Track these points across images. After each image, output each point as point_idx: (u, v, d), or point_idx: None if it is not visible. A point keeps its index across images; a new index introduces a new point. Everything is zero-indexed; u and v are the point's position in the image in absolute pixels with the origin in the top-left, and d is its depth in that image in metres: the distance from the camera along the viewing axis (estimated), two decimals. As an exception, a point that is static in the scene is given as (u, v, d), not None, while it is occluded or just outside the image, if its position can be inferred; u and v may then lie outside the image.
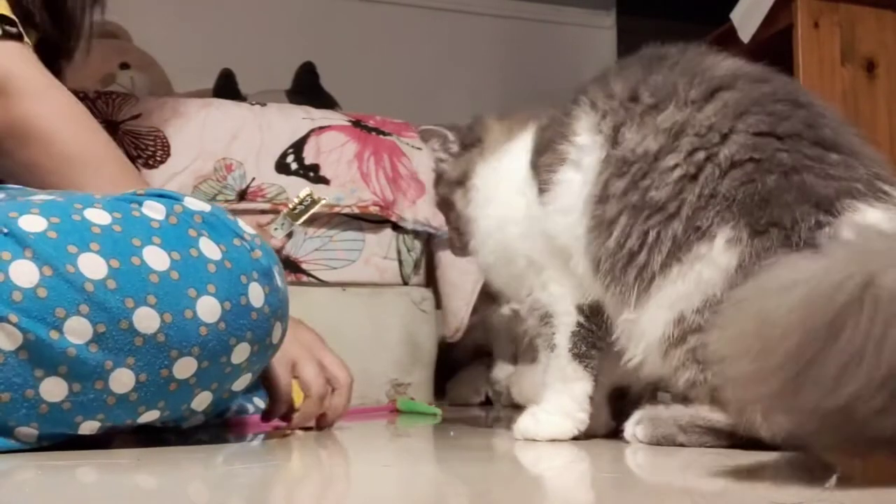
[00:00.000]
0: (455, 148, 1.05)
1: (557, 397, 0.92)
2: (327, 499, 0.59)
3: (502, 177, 0.99)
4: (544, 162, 0.92)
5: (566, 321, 0.92)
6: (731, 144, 0.80)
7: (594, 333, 0.91)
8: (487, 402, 1.86)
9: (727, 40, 1.88)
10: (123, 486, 0.64)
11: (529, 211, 0.94)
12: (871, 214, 0.76)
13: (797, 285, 0.57)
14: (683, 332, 0.81)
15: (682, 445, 0.82)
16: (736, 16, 1.86)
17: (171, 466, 0.75)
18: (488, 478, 0.72)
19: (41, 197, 0.83)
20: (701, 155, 0.81)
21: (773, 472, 0.65)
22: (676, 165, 0.81)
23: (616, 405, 0.98)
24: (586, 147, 0.88)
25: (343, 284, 1.54)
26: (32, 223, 0.76)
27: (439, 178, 1.07)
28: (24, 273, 0.74)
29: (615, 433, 0.93)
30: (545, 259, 0.93)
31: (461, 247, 1.06)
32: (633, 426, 0.86)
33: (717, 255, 0.78)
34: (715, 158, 0.80)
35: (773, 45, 1.78)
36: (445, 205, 1.07)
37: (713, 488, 0.63)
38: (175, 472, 0.71)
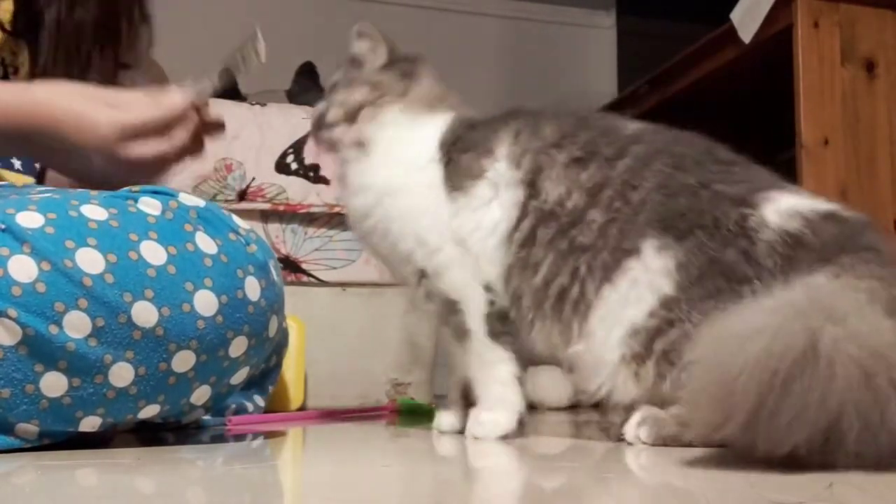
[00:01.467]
0: (380, 61, 1.02)
1: (488, 389, 0.92)
2: (327, 499, 0.59)
3: (411, 144, 0.96)
4: (465, 162, 0.92)
5: (476, 303, 0.91)
6: (641, 190, 0.86)
7: (505, 308, 0.91)
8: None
9: (727, 40, 1.88)
10: (124, 487, 0.64)
11: (430, 192, 0.93)
12: (785, 200, 0.83)
13: (752, 340, 0.64)
14: (645, 340, 0.82)
15: (689, 445, 0.81)
16: (736, 16, 1.86)
17: (172, 466, 0.75)
18: (488, 478, 0.72)
19: (38, 194, 0.84)
20: (618, 203, 0.86)
21: (773, 471, 0.65)
22: (598, 217, 0.86)
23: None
24: (503, 176, 0.90)
25: (343, 284, 1.54)
26: (30, 219, 0.77)
27: (353, 81, 1.02)
28: (23, 268, 0.74)
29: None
30: (443, 242, 0.92)
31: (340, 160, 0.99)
32: (636, 427, 0.85)
33: (650, 260, 0.83)
34: (629, 204, 0.86)
35: (773, 45, 1.78)
36: (347, 109, 0.99)
37: (713, 487, 0.63)
38: (175, 473, 0.71)
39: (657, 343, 0.82)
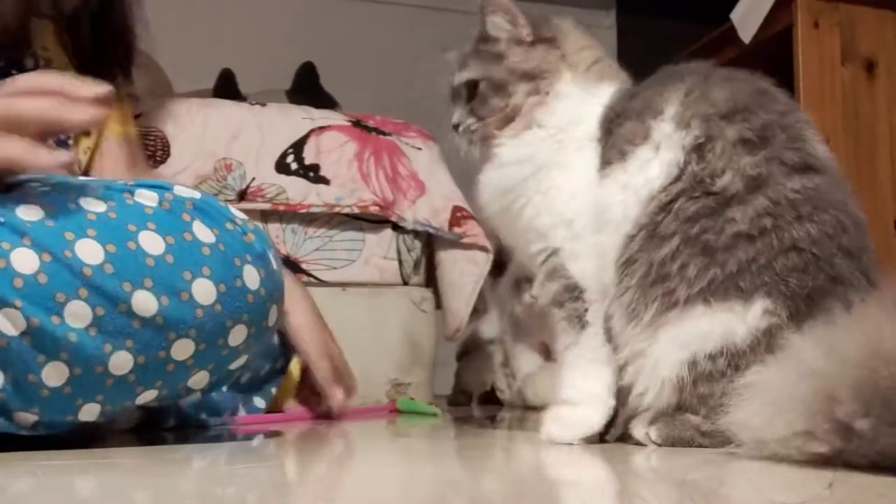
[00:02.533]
0: (526, 34, 0.95)
1: (586, 382, 0.87)
2: (328, 499, 0.59)
3: (579, 122, 0.91)
4: (626, 130, 0.87)
5: (601, 296, 0.87)
6: (800, 229, 0.80)
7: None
8: (486, 398, 1.85)
9: (727, 40, 1.88)
10: (124, 487, 0.64)
11: (585, 174, 0.89)
12: None
13: None
14: (696, 377, 0.80)
15: (700, 447, 0.81)
16: (736, 16, 1.86)
17: (172, 466, 0.75)
18: (489, 478, 0.72)
19: (37, 190, 0.84)
20: (767, 222, 0.80)
21: (774, 472, 0.65)
22: (739, 221, 0.81)
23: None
24: (667, 137, 0.85)
25: (343, 284, 1.54)
26: (29, 212, 0.77)
27: (495, 58, 0.96)
28: (25, 260, 0.74)
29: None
30: (586, 229, 0.88)
31: (479, 138, 0.96)
32: (646, 427, 0.84)
33: (751, 317, 0.79)
34: (780, 233, 0.80)
35: (773, 45, 1.78)
36: (493, 88, 0.95)
37: (714, 487, 0.63)
38: (176, 473, 0.71)
39: (701, 386, 0.80)
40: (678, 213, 0.82)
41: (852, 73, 1.77)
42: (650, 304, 0.82)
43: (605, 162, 0.88)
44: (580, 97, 0.93)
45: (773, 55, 1.75)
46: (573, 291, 0.88)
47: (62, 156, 0.80)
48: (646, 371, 0.83)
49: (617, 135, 0.88)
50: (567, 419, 0.87)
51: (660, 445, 0.83)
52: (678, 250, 0.82)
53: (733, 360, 0.79)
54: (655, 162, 0.84)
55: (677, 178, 0.83)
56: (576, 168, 0.90)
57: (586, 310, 0.88)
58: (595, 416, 0.86)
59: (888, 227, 1.76)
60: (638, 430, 0.85)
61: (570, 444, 0.86)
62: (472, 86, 0.97)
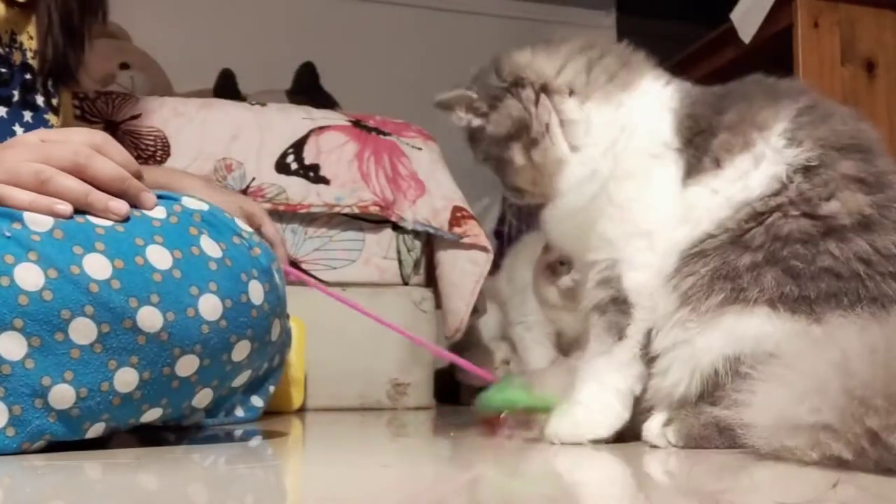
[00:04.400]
0: (483, 106, 0.95)
1: (605, 393, 0.85)
2: (328, 499, 0.59)
3: (625, 125, 0.89)
4: (722, 142, 0.85)
5: (647, 314, 0.85)
6: (892, 286, 0.78)
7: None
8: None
9: (727, 40, 1.88)
10: (125, 487, 0.64)
11: (664, 183, 0.87)
12: None
13: None
14: (733, 374, 0.78)
15: (716, 447, 0.80)
16: (736, 16, 1.86)
17: (173, 467, 0.75)
18: (489, 478, 0.72)
19: None
20: (861, 268, 0.78)
21: (777, 472, 0.65)
22: (834, 256, 0.78)
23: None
24: (776, 150, 0.83)
25: (343, 284, 1.53)
26: (38, 223, 0.76)
27: (479, 140, 0.97)
28: (30, 276, 0.73)
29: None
30: (652, 246, 0.86)
31: (532, 195, 0.96)
32: (662, 428, 0.82)
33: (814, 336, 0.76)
34: (871, 282, 0.78)
35: (773, 45, 1.78)
36: (498, 164, 0.96)
37: (717, 488, 0.63)
38: (176, 473, 0.71)
39: (732, 384, 0.78)
40: (769, 228, 0.81)
41: (852, 73, 1.77)
42: (713, 294, 0.80)
43: (694, 171, 0.86)
44: (608, 107, 0.90)
45: (773, 55, 1.75)
46: (620, 304, 0.87)
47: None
48: (682, 359, 0.81)
49: (708, 145, 0.86)
50: (577, 419, 0.86)
51: (677, 446, 0.81)
52: (760, 264, 0.80)
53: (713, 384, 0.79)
54: (755, 173, 0.83)
55: (777, 193, 0.81)
56: (654, 178, 0.88)
57: (629, 324, 0.86)
58: (606, 421, 0.85)
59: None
60: (653, 432, 0.83)
61: (576, 444, 0.85)
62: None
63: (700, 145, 0.87)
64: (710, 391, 0.80)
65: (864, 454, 0.62)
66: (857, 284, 0.78)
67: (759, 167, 0.83)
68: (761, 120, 0.85)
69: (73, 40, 1.10)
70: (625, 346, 0.85)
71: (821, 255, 0.79)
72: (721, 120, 0.87)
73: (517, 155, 0.93)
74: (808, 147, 0.82)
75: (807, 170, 0.81)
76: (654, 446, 0.83)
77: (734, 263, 0.81)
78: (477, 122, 0.96)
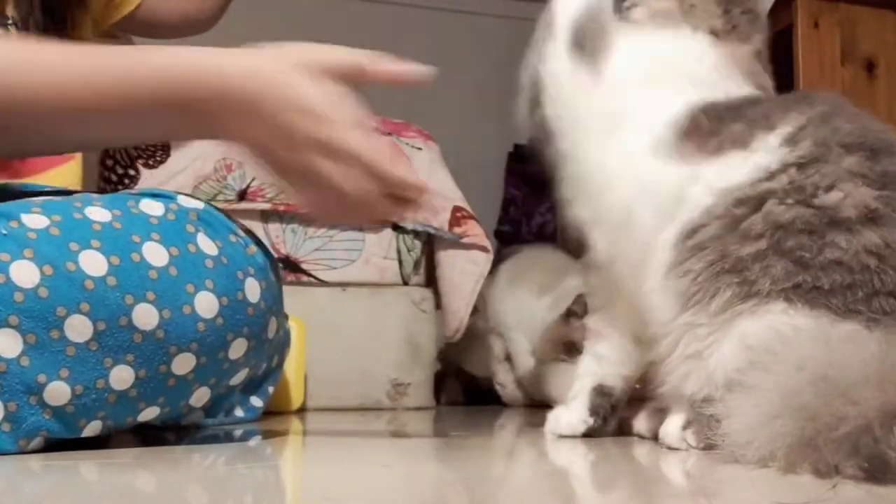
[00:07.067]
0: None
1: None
2: (328, 499, 0.59)
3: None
4: (734, 131, 0.84)
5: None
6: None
7: None
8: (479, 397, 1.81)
9: (727, 40, 1.88)
10: (124, 487, 0.63)
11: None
12: None
13: None
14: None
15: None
16: (736, 16, 1.86)
17: (172, 466, 0.75)
18: (489, 478, 0.72)
19: (40, 197, 0.83)
20: (873, 262, 0.76)
21: (777, 472, 0.65)
22: (843, 249, 0.76)
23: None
24: (769, 147, 0.82)
25: (343, 284, 1.54)
26: (34, 221, 0.76)
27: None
28: (25, 273, 0.73)
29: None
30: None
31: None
32: (680, 430, 0.81)
33: (836, 335, 0.73)
34: (884, 276, 0.75)
35: (773, 45, 1.78)
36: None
37: (717, 488, 0.63)
38: (176, 473, 0.71)
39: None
40: (767, 216, 0.78)
41: (852, 73, 1.76)
42: (721, 291, 0.78)
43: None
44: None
45: (772, 55, 1.75)
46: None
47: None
48: (699, 364, 0.79)
49: (724, 128, 0.84)
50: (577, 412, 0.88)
51: (697, 449, 0.80)
52: (765, 254, 0.77)
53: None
54: (743, 167, 0.81)
55: (765, 179, 0.80)
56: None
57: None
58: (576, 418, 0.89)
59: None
60: (672, 435, 0.82)
61: (575, 436, 0.87)
62: None
63: (722, 121, 0.85)
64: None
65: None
66: (870, 277, 0.75)
67: (747, 160, 0.81)
68: (772, 120, 0.83)
69: (56, 23, 1.08)
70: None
71: (829, 246, 0.76)
72: (749, 111, 0.85)
73: None
74: (805, 146, 0.81)
75: (800, 166, 0.80)
76: (673, 448, 0.82)
77: (734, 254, 0.78)
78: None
